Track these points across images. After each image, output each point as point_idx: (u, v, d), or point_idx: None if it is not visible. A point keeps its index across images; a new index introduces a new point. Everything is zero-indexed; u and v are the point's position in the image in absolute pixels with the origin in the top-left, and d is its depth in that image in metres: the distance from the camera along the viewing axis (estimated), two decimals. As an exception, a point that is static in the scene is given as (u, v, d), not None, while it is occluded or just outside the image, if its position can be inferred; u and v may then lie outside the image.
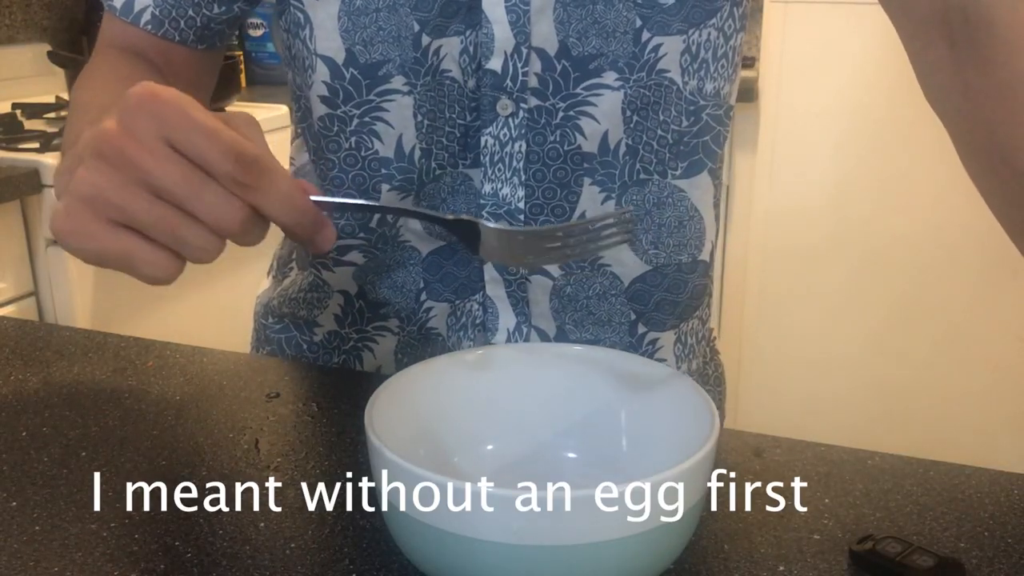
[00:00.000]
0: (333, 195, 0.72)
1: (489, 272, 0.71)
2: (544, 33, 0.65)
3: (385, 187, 0.70)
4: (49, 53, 2.02)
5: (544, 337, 0.74)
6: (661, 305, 0.74)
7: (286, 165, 0.80)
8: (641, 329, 0.75)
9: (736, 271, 2.28)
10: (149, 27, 0.72)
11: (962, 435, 2.18)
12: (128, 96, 0.45)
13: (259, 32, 2.47)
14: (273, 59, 2.47)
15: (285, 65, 0.74)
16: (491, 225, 0.52)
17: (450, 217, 0.53)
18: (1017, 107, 0.56)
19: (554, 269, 0.71)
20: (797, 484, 0.58)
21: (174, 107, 0.44)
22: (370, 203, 0.55)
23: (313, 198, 0.48)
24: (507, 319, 0.73)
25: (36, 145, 1.63)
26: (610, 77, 0.67)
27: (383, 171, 0.69)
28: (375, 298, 0.75)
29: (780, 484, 0.58)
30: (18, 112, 1.89)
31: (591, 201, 0.70)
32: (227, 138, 0.44)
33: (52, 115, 1.91)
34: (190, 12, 0.72)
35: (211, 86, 0.80)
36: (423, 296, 0.74)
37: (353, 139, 0.69)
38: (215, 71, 0.79)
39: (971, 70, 0.58)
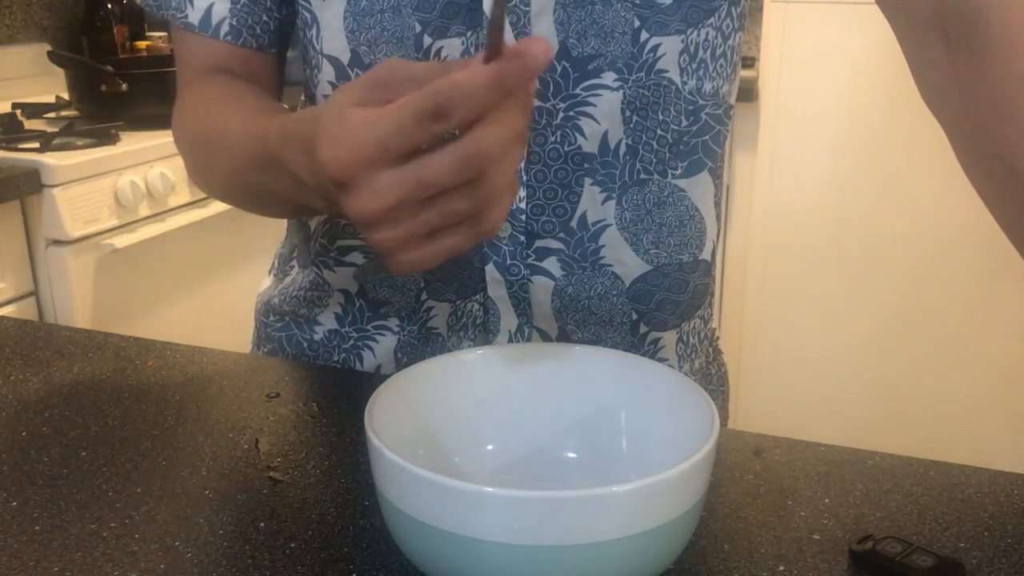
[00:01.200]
0: None
1: (490, 273, 0.71)
2: (544, 34, 0.65)
3: None
4: (49, 53, 2.02)
5: (546, 338, 0.74)
6: (663, 305, 0.74)
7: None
8: (643, 329, 0.75)
9: (736, 271, 2.28)
10: (229, 38, 0.72)
11: (962, 435, 2.18)
12: (335, 176, 0.46)
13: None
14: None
15: (297, 64, 0.74)
16: None
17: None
18: (1013, 106, 0.56)
19: (556, 270, 0.71)
20: (797, 484, 0.58)
21: (364, 131, 0.45)
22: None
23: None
24: (508, 320, 0.73)
25: (36, 145, 1.63)
26: (609, 77, 0.67)
27: None
28: (375, 297, 0.75)
29: (780, 484, 0.58)
30: (18, 112, 1.89)
31: (592, 201, 0.70)
32: (444, 84, 0.44)
33: (52, 115, 1.92)
34: (264, 17, 0.73)
35: (283, 86, 0.80)
36: (424, 295, 0.74)
37: None
38: (283, 74, 0.80)
39: (967, 70, 0.58)
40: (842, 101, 2.10)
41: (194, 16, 0.72)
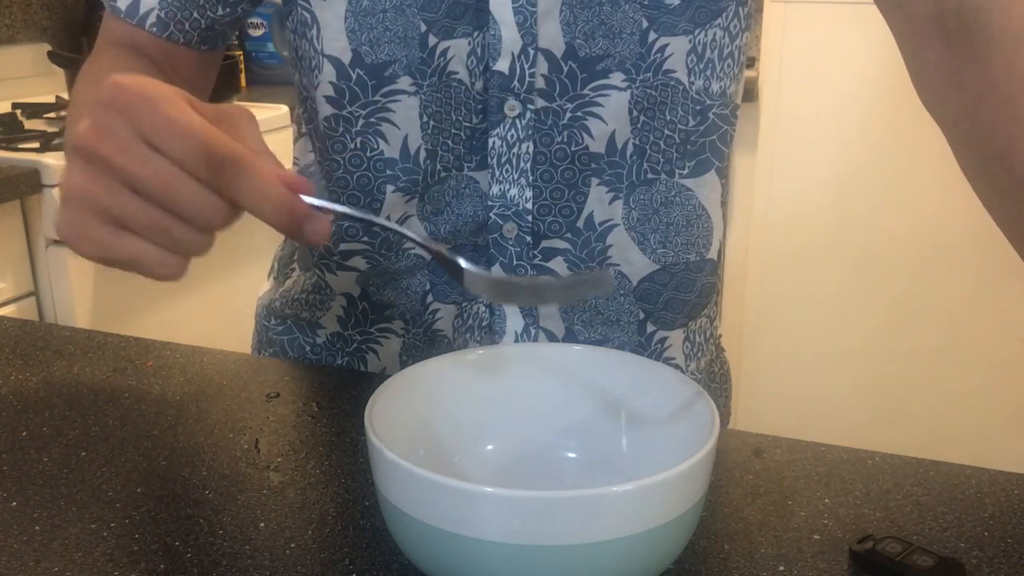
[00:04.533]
0: (338, 196, 0.71)
1: (497, 274, 0.71)
2: (551, 34, 0.65)
3: (390, 188, 0.70)
4: (49, 53, 2.02)
5: (552, 339, 0.74)
6: (670, 304, 0.75)
7: (288, 165, 0.80)
8: (650, 328, 0.75)
9: (736, 271, 2.28)
10: (154, 30, 0.72)
11: (962, 435, 2.18)
12: (101, 92, 0.44)
13: (259, 32, 2.47)
14: (273, 59, 2.47)
15: (291, 66, 0.74)
16: (473, 269, 0.51)
17: (435, 248, 0.52)
18: (1012, 106, 0.56)
19: (563, 270, 0.71)
20: (797, 484, 0.58)
21: (146, 103, 0.43)
22: (360, 213, 0.53)
23: (306, 199, 0.47)
24: (514, 322, 0.73)
25: (36, 145, 1.63)
26: (617, 78, 0.67)
27: (388, 172, 0.69)
28: (379, 300, 0.75)
29: (780, 484, 0.58)
30: (18, 112, 1.89)
31: (599, 201, 0.70)
32: (199, 136, 0.43)
33: (52, 115, 1.91)
34: (195, 15, 0.72)
35: (211, 83, 0.80)
36: (429, 298, 0.74)
37: (359, 140, 0.69)
38: (215, 70, 0.79)
39: (966, 71, 0.58)
40: (842, 101, 2.10)
41: (122, 2, 0.71)
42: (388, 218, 0.71)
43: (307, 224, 0.47)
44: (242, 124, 0.47)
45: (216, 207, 0.44)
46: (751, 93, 2.13)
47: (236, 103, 0.47)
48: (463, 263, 0.51)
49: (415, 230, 0.71)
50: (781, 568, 0.50)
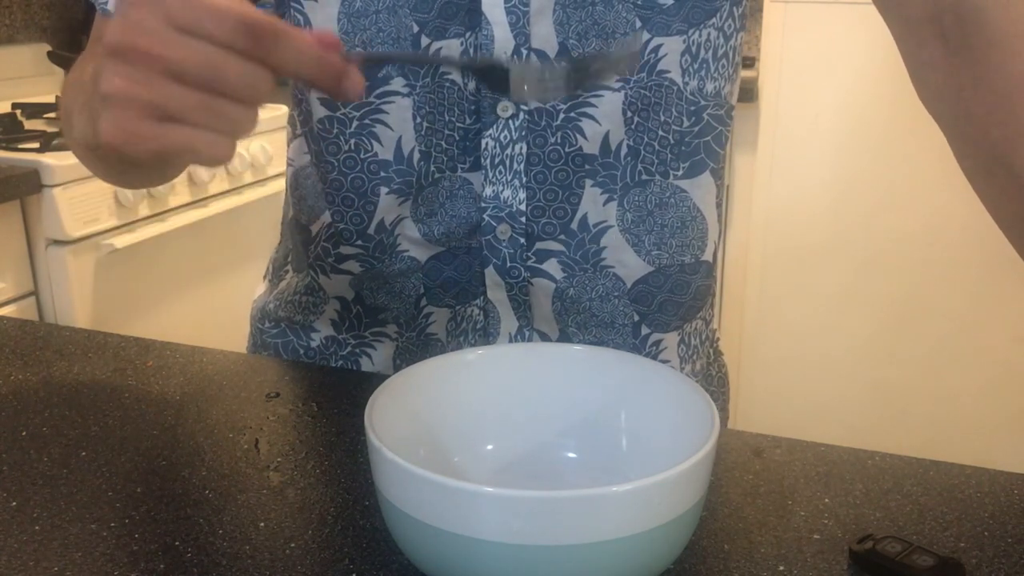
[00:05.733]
0: (332, 198, 0.71)
1: (491, 276, 0.71)
2: (544, 35, 0.65)
3: (384, 190, 0.70)
4: (49, 53, 2.02)
5: (546, 340, 0.74)
6: (664, 306, 0.74)
7: (283, 167, 0.80)
8: (645, 330, 0.75)
9: (736, 271, 2.28)
10: None
11: (962, 435, 2.18)
12: None
13: (259, 32, 2.47)
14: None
15: None
16: (519, 65, 0.51)
17: (479, 63, 0.52)
18: (1010, 106, 0.56)
19: (556, 272, 0.71)
20: (797, 484, 0.58)
21: None
22: (391, 52, 0.52)
23: (342, 54, 0.48)
24: (509, 323, 0.73)
25: (36, 145, 1.63)
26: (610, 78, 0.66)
27: (382, 174, 0.69)
28: (373, 303, 0.75)
29: (780, 484, 0.58)
30: (18, 112, 1.89)
31: (593, 203, 0.70)
32: (232, 11, 0.44)
33: (52, 115, 1.91)
34: None
35: None
36: (423, 302, 0.73)
37: (352, 141, 0.69)
38: None
39: (965, 70, 0.58)
40: (842, 101, 2.10)
41: (112, 3, 0.71)
42: (382, 220, 0.71)
43: (344, 80, 0.48)
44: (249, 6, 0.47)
45: (260, 76, 0.45)
46: (751, 93, 2.13)
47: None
48: (505, 62, 0.50)
49: (409, 232, 0.71)
50: (781, 568, 0.50)
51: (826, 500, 0.56)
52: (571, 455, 0.58)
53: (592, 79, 0.54)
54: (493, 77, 0.51)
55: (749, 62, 2.28)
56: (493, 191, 0.69)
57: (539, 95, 0.56)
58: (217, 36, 0.44)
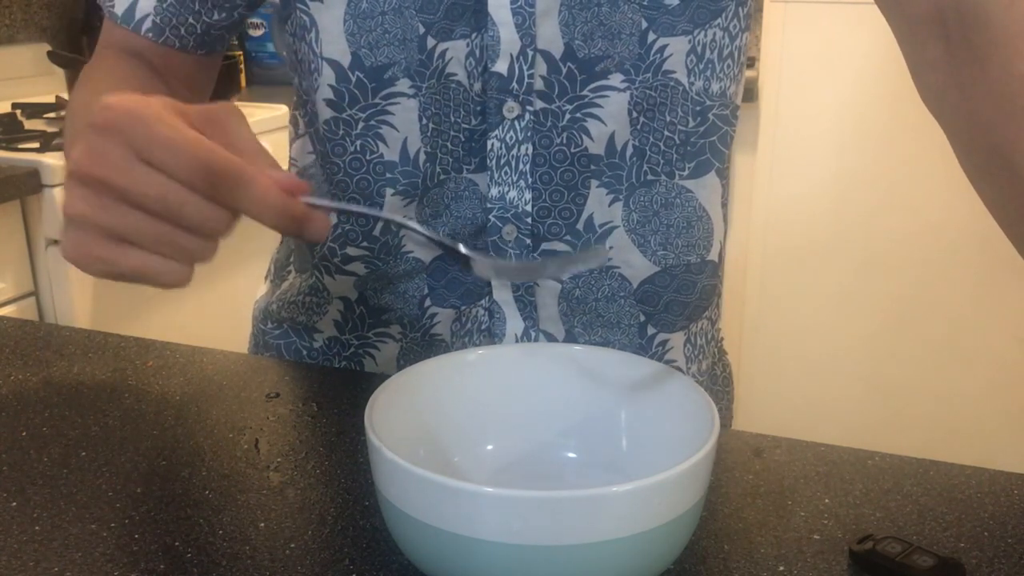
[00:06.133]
0: (338, 199, 0.71)
1: None
2: (549, 36, 0.65)
3: (389, 191, 0.70)
4: (49, 53, 2.02)
5: (552, 342, 0.74)
6: (671, 306, 0.74)
7: (285, 165, 0.80)
8: (651, 331, 0.75)
9: (736, 271, 2.28)
10: (150, 35, 0.72)
11: (962, 435, 2.18)
12: (93, 115, 0.45)
13: (259, 32, 2.47)
14: (273, 59, 2.47)
15: (290, 69, 0.73)
16: (480, 259, 0.53)
17: (445, 241, 0.53)
18: (1013, 106, 0.56)
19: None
20: (797, 484, 0.58)
21: (138, 123, 0.44)
22: (357, 208, 0.54)
23: (304, 199, 0.48)
24: (515, 324, 0.73)
25: (36, 145, 1.63)
26: (616, 79, 0.66)
27: (387, 175, 0.69)
28: (377, 304, 0.75)
29: (780, 484, 0.58)
30: (18, 112, 1.89)
31: (598, 203, 0.70)
32: (194, 152, 0.44)
33: (52, 115, 1.91)
34: (190, 20, 0.72)
35: (210, 86, 0.80)
36: (427, 302, 0.73)
37: (358, 143, 0.69)
38: (214, 72, 0.79)
39: (967, 69, 0.58)
40: (842, 101, 2.10)
41: (119, 7, 0.72)
42: (388, 224, 0.71)
43: (306, 224, 0.48)
44: (231, 123, 0.47)
45: (218, 216, 0.46)
46: (751, 93, 2.13)
47: (227, 102, 0.48)
48: (464, 250, 0.52)
49: (413, 236, 0.71)
50: (781, 568, 0.50)
51: (826, 500, 0.56)
52: (571, 455, 0.58)
53: (550, 275, 0.56)
54: (454, 255, 0.53)
55: (749, 62, 2.28)
56: (499, 192, 0.69)
57: (499, 278, 0.63)
58: (176, 174, 0.44)
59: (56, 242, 1.60)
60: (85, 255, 0.47)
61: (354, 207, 0.52)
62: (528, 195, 0.69)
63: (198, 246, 0.46)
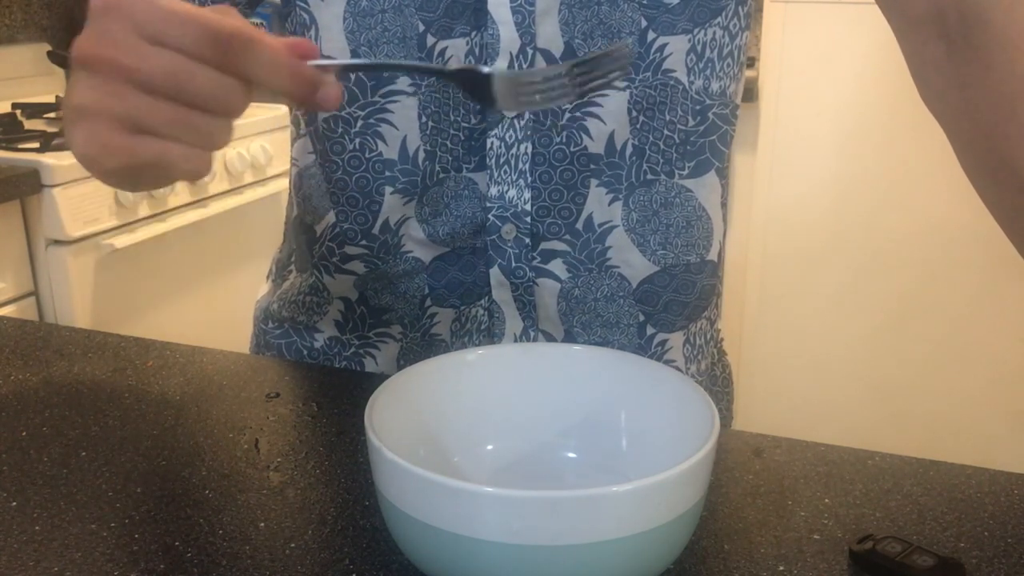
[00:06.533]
0: (337, 197, 0.71)
1: (495, 277, 0.71)
2: (549, 34, 0.65)
3: (388, 190, 0.70)
4: (49, 53, 2.02)
5: (551, 341, 0.74)
6: (670, 306, 0.74)
7: (287, 166, 0.80)
8: (650, 331, 0.75)
9: (736, 271, 2.28)
10: None
11: (962, 435, 2.18)
12: (94, 3, 0.44)
13: (259, 32, 2.47)
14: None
15: None
16: (496, 72, 0.49)
17: (453, 68, 0.50)
18: (1013, 106, 0.56)
19: (562, 272, 0.71)
20: (797, 484, 0.58)
21: (141, 1, 0.43)
22: (368, 61, 0.50)
23: (311, 62, 0.47)
24: (514, 324, 0.73)
25: (36, 145, 1.63)
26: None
27: (387, 173, 0.69)
28: (377, 304, 0.75)
29: (780, 484, 0.58)
30: (18, 112, 1.89)
31: (598, 202, 0.70)
32: (200, 20, 0.43)
33: (52, 115, 1.92)
34: None
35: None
36: (427, 302, 0.73)
37: (357, 140, 0.69)
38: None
39: (967, 69, 0.58)
40: (842, 101, 2.10)
41: None
42: (387, 220, 0.71)
43: (318, 89, 0.47)
44: (229, 12, 0.46)
45: (231, 87, 0.44)
46: (751, 93, 2.13)
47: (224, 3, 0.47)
48: (486, 69, 0.49)
49: (413, 232, 0.71)
50: (781, 568, 0.50)
51: (826, 500, 0.56)
52: (571, 455, 0.58)
53: (590, 79, 0.51)
54: (475, 86, 0.49)
55: (749, 62, 2.28)
56: (498, 191, 0.69)
57: (528, 102, 0.54)
58: (184, 46, 0.43)
59: (56, 242, 1.60)
60: (101, 146, 0.44)
61: (360, 61, 0.49)
62: (527, 194, 0.69)
63: (214, 127, 0.45)
